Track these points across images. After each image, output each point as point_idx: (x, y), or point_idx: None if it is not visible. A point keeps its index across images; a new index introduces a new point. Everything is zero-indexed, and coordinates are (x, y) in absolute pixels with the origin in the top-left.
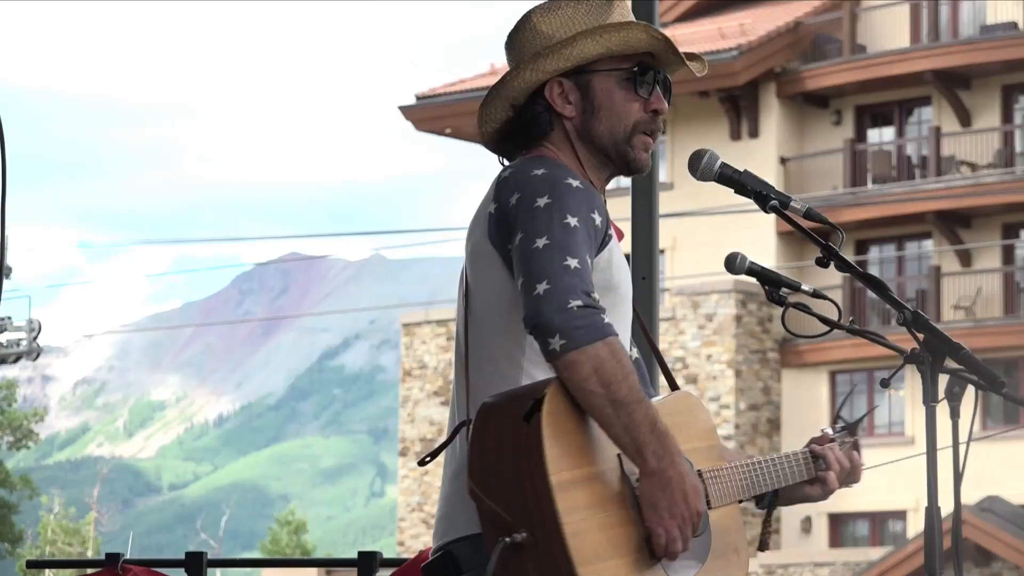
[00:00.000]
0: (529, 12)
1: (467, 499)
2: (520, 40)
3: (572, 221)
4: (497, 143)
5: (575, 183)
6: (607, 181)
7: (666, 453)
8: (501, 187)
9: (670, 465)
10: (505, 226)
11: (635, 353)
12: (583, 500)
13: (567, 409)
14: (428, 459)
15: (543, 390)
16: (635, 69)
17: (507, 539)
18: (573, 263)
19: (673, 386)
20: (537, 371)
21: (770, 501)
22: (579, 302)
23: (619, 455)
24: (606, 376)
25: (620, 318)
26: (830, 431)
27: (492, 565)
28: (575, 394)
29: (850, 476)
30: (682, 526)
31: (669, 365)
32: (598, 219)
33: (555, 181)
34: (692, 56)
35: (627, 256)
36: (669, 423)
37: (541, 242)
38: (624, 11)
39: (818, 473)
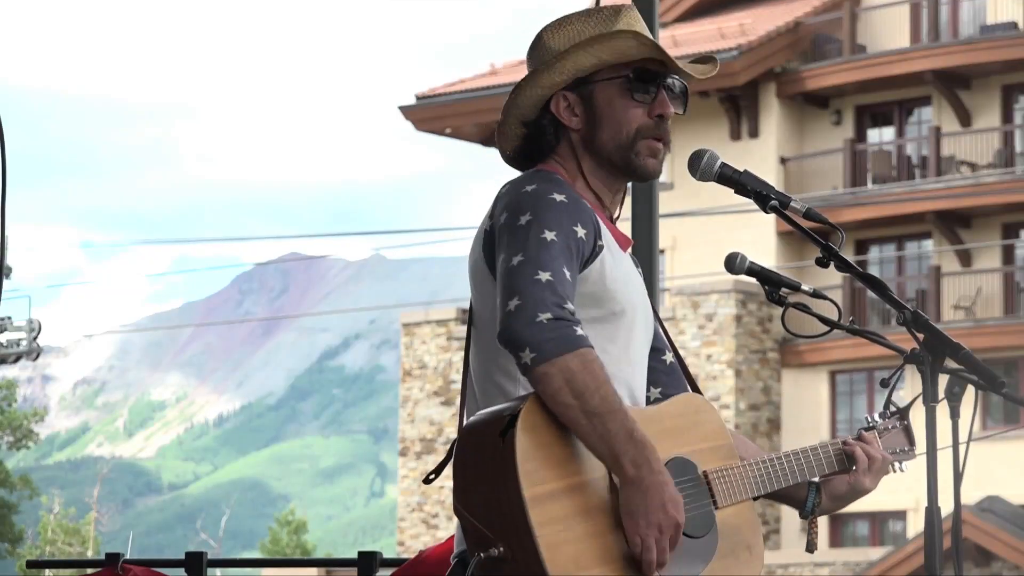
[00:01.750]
0: (543, 29)
1: None
2: (533, 57)
3: (549, 235)
4: (516, 161)
5: (559, 197)
6: (620, 191)
7: (645, 461)
8: (496, 205)
9: (648, 473)
10: (492, 243)
11: (670, 357)
12: (561, 512)
13: (545, 423)
14: (433, 476)
15: (520, 406)
16: (630, 75)
17: (482, 554)
18: (545, 276)
19: (694, 389)
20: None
21: (812, 507)
22: (548, 315)
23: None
24: (578, 387)
25: (620, 325)
26: (876, 418)
27: None
28: (550, 406)
29: (880, 470)
30: (659, 536)
31: None
32: (581, 231)
33: (539, 196)
34: (705, 58)
35: None
36: (672, 425)
37: (516, 259)
38: (631, 20)
39: (851, 468)
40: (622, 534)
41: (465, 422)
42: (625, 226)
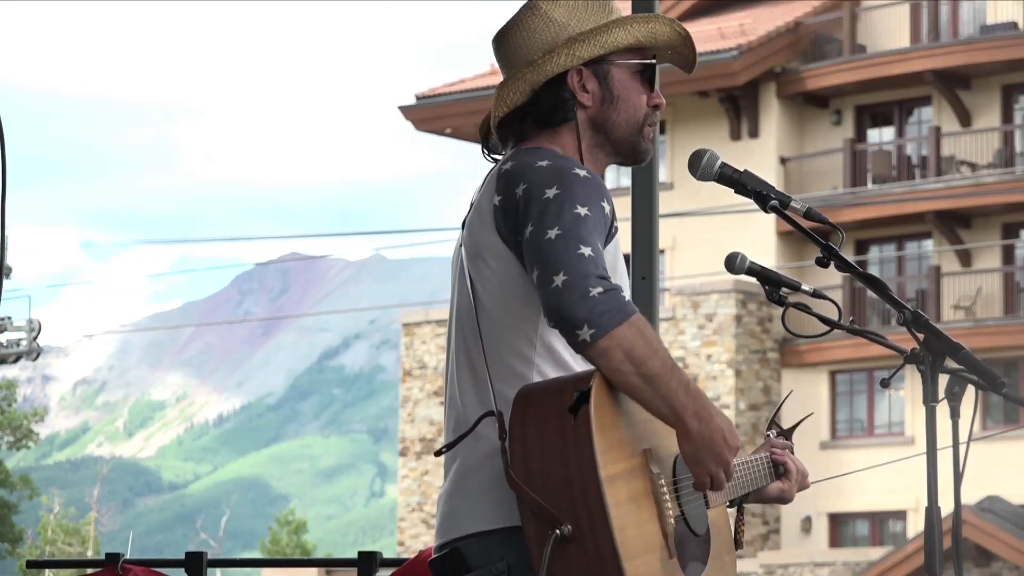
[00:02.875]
0: (533, 1)
1: (474, 496)
2: (529, 26)
3: (582, 211)
4: (505, 126)
5: (582, 173)
6: (601, 172)
7: (704, 411)
8: (505, 179)
9: (708, 422)
10: (513, 218)
11: None
12: (625, 494)
13: (610, 402)
14: (445, 449)
15: (588, 381)
16: (651, 62)
17: (557, 531)
18: (587, 251)
19: None
20: (547, 367)
21: (740, 502)
22: (599, 288)
23: (645, 450)
24: (638, 355)
25: None
26: (772, 435)
27: (546, 559)
28: (612, 378)
29: (802, 483)
30: (726, 468)
31: None
32: (607, 208)
33: (562, 171)
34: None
35: (626, 256)
36: (658, 428)
37: (553, 233)
38: (619, 10)
39: (780, 479)
40: (657, 522)
41: (520, 389)
42: (625, 226)
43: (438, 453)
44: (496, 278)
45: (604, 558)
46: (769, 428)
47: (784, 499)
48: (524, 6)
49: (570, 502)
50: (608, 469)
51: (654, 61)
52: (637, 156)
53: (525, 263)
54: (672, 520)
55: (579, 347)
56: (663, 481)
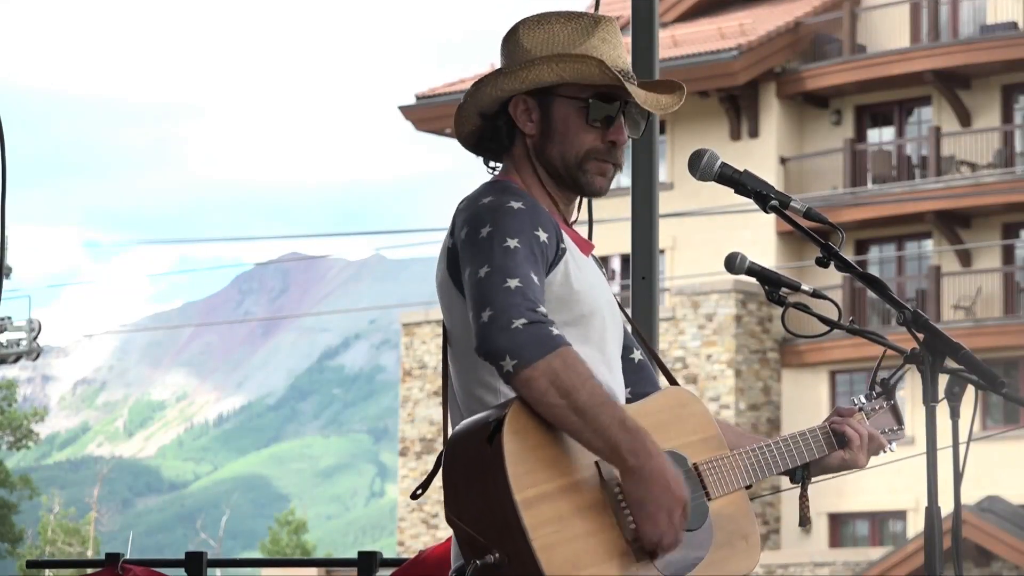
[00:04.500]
0: (519, 23)
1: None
2: (507, 49)
3: (512, 243)
4: (472, 147)
5: (516, 204)
6: (574, 198)
7: (642, 448)
8: (456, 220)
9: (647, 459)
10: (455, 262)
11: (638, 355)
12: (554, 513)
13: (531, 425)
14: (419, 492)
15: (504, 410)
16: (589, 101)
17: (478, 561)
18: (514, 283)
19: (672, 382)
20: (513, 394)
21: (802, 476)
22: (523, 320)
23: (596, 461)
24: (564, 386)
25: (591, 327)
26: (862, 399)
27: None
28: (538, 410)
29: (872, 447)
30: (670, 518)
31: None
32: (543, 235)
33: (497, 207)
34: (673, 86)
35: (626, 257)
36: (659, 420)
37: (483, 271)
38: (606, 34)
39: (843, 448)
40: (617, 529)
41: (450, 433)
42: (625, 226)
43: (413, 496)
44: (457, 317)
45: None
46: (871, 388)
47: (850, 466)
48: (512, 26)
49: (495, 530)
50: (526, 492)
51: (588, 100)
52: (582, 189)
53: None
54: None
55: (505, 378)
56: (619, 488)
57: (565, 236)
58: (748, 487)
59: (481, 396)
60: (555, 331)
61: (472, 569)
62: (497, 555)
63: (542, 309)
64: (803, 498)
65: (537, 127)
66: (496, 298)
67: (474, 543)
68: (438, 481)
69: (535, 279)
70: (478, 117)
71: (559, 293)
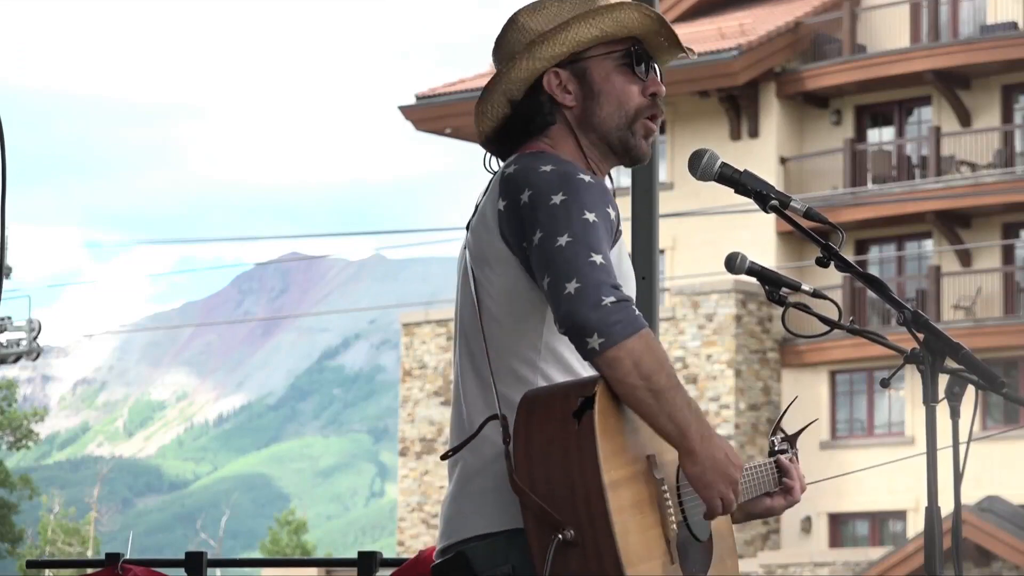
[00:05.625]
0: (516, 12)
1: (478, 499)
2: (508, 39)
3: (591, 216)
4: (495, 141)
5: (587, 178)
6: (608, 173)
7: (706, 430)
8: (508, 184)
9: (710, 441)
10: (518, 224)
11: None
12: (628, 500)
13: (613, 408)
14: (451, 453)
15: (592, 387)
16: (632, 49)
17: (560, 536)
18: (598, 259)
19: None
20: (553, 371)
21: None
22: (612, 298)
23: (648, 456)
24: (645, 368)
25: None
26: (777, 443)
27: (548, 563)
28: (617, 389)
29: (799, 491)
30: (735, 488)
31: None
32: (612, 213)
33: (567, 177)
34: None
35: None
36: (647, 432)
37: (563, 240)
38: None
39: (784, 483)
40: (660, 528)
41: (525, 393)
42: (625, 226)
43: (444, 457)
44: (501, 283)
45: (606, 563)
46: (773, 434)
47: (774, 512)
48: (507, 19)
49: (573, 507)
50: (611, 475)
51: (633, 48)
52: (630, 153)
53: (533, 269)
54: (675, 526)
55: (588, 355)
56: (666, 487)
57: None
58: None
59: (518, 370)
60: (637, 312)
61: (555, 543)
62: (572, 532)
63: (624, 289)
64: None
65: (577, 96)
66: (583, 271)
67: (545, 517)
68: (437, 480)
69: (612, 258)
70: (507, 105)
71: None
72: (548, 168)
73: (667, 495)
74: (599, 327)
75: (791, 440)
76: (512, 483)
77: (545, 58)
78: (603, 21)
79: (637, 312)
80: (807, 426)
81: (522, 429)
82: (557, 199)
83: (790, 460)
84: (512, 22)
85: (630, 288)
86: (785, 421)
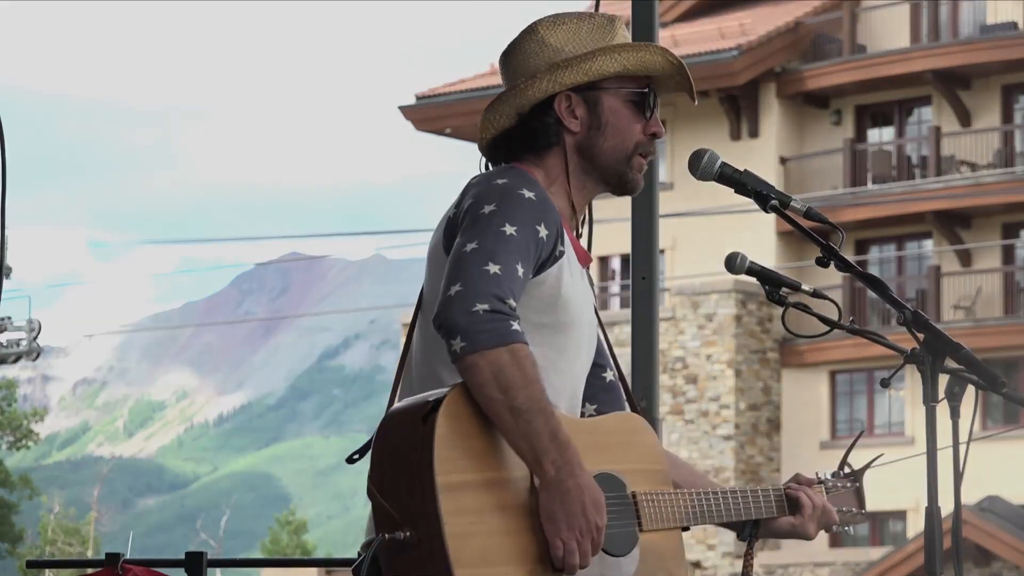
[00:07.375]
0: (535, 24)
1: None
2: (526, 50)
3: (509, 230)
4: (493, 149)
5: (529, 194)
6: (589, 200)
7: (566, 463)
8: (464, 194)
9: (569, 476)
10: (453, 230)
11: (610, 375)
12: (474, 504)
13: (469, 413)
14: (356, 456)
15: (446, 392)
16: (646, 91)
17: (386, 535)
18: (494, 268)
19: (633, 409)
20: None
21: (750, 534)
22: (486, 306)
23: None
24: (505, 382)
25: (569, 336)
26: (827, 475)
27: (368, 561)
28: (477, 398)
29: (823, 520)
30: (580, 539)
31: (669, 365)
32: (543, 232)
33: (507, 189)
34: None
35: (626, 257)
36: (606, 441)
37: (470, 247)
38: (625, 34)
39: (791, 514)
40: (538, 535)
41: (392, 406)
42: (625, 226)
43: (349, 460)
44: (433, 285)
45: (436, 564)
46: (840, 467)
47: (800, 534)
48: (525, 28)
49: (410, 508)
50: (450, 476)
51: (647, 89)
52: (624, 186)
53: None
54: None
55: (451, 357)
56: None
57: (567, 241)
58: (685, 529)
59: (440, 373)
60: (515, 326)
61: (380, 542)
62: (408, 533)
63: (511, 302)
64: (748, 555)
65: (583, 123)
66: (470, 277)
67: (388, 517)
68: None
69: (519, 273)
70: (514, 118)
71: (547, 294)
72: (500, 181)
73: None
74: (463, 331)
75: (858, 474)
76: (367, 487)
77: (565, 83)
78: (628, 59)
79: (515, 327)
80: (873, 461)
81: (380, 435)
82: (487, 209)
83: (839, 491)
84: (532, 32)
85: (569, 310)
86: (786, 423)
